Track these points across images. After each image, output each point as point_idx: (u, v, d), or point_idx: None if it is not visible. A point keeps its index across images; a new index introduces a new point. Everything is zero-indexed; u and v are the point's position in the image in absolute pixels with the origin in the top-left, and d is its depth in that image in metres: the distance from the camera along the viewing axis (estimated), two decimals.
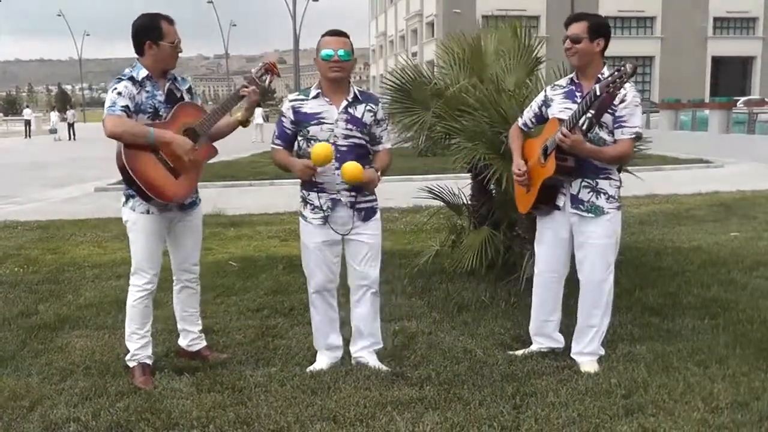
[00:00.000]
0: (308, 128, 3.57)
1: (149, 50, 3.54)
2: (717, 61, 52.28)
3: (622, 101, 3.50)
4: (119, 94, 3.45)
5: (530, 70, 5.46)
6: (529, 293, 4.09)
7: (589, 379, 3.53)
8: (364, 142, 3.62)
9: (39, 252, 7.15)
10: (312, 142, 3.55)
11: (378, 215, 3.75)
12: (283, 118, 3.66)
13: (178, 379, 3.63)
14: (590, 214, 3.63)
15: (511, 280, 5.08)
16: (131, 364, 3.70)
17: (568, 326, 3.93)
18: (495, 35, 5.66)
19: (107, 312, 4.89)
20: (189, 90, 3.78)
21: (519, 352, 3.94)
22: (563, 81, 3.78)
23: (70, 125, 36.85)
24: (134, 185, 3.48)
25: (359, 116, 3.59)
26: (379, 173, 3.61)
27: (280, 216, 9.41)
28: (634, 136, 3.54)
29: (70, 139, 35.22)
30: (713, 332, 4.21)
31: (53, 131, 36.50)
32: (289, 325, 4.54)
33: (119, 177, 3.56)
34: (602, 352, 3.81)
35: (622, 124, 3.53)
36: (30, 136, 38.38)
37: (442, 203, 5.94)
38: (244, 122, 3.82)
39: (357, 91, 3.63)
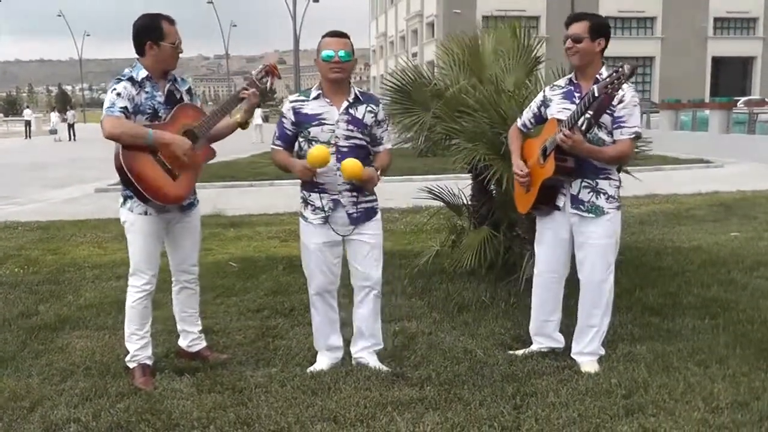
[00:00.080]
0: (309, 129, 3.56)
1: (150, 51, 3.54)
2: (717, 62, 52.21)
3: (621, 102, 3.50)
4: (118, 94, 3.44)
5: (530, 70, 5.47)
6: (529, 293, 4.09)
7: (589, 379, 3.53)
8: (365, 143, 3.62)
9: (39, 253, 7.15)
10: (313, 143, 3.54)
11: (379, 215, 3.75)
12: (283, 119, 3.66)
13: (178, 379, 3.63)
14: (590, 215, 3.63)
15: (511, 281, 5.08)
16: (131, 365, 3.70)
17: (568, 326, 3.93)
18: (493, 35, 5.67)
19: (107, 313, 4.89)
20: (189, 91, 3.78)
21: (519, 352, 3.94)
22: (562, 81, 3.79)
23: (71, 126, 36.83)
24: (131, 186, 3.48)
25: (360, 117, 3.59)
26: (378, 172, 3.61)
27: (280, 216, 9.42)
28: (633, 136, 3.55)
29: (70, 139, 35.21)
30: (713, 332, 4.21)
31: (53, 132, 36.45)
32: (290, 326, 4.54)
33: (118, 178, 3.55)
34: (602, 352, 3.82)
35: (621, 124, 3.53)
36: (30, 137, 38.35)
37: (442, 203, 5.94)
38: (243, 124, 3.82)
39: (358, 92, 3.62)
